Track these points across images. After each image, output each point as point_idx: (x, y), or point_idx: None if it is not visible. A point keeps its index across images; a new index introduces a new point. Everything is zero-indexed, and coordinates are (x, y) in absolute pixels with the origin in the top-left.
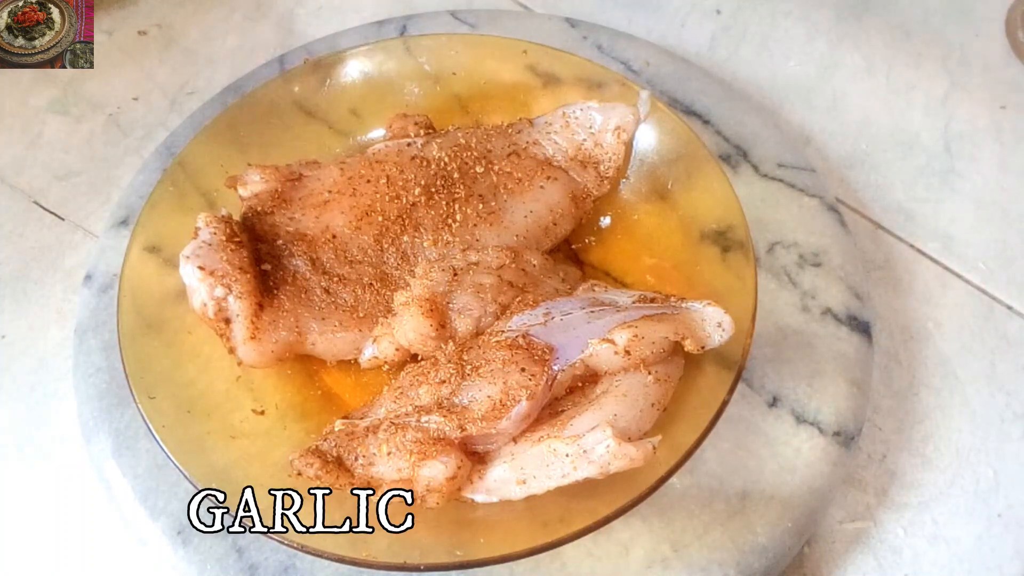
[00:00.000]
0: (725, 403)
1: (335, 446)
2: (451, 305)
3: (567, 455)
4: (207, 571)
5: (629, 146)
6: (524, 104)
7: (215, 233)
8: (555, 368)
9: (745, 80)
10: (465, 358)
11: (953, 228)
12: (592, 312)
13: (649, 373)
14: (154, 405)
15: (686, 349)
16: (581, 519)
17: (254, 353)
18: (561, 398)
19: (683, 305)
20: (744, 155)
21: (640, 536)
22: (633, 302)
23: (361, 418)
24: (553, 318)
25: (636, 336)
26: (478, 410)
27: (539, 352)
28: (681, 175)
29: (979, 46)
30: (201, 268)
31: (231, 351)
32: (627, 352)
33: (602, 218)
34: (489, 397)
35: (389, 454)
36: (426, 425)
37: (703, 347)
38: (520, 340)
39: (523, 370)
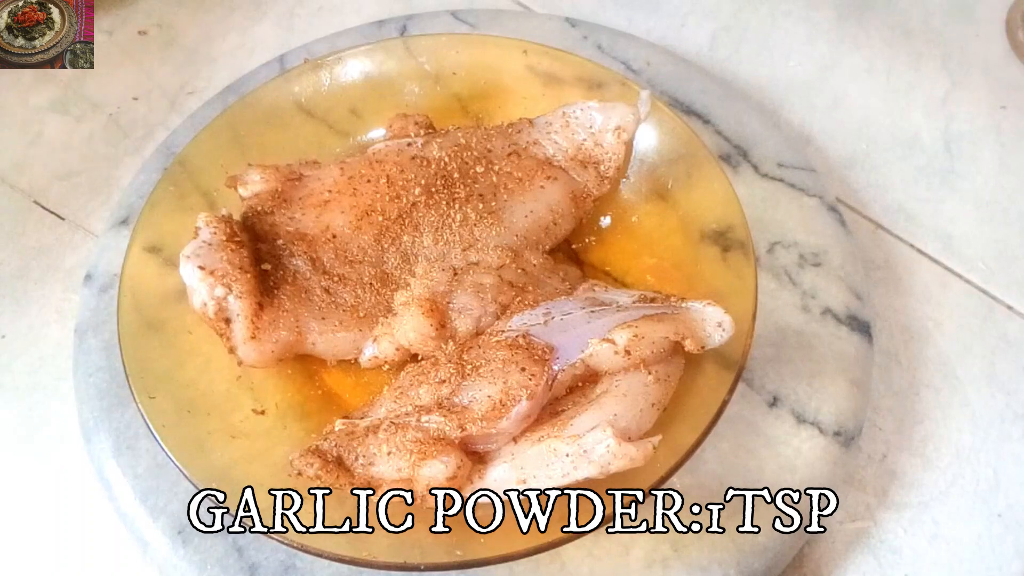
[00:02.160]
0: (725, 403)
1: (335, 446)
2: (451, 305)
3: (567, 455)
4: (207, 571)
5: (629, 146)
6: (524, 104)
7: (215, 233)
8: (555, 368)
9: (745, 80)
10: (465, 358)
11: (953, 228)
12: (592, 312)
13: (649, 373)
14: (154, 405)
15: (686, 349)
16: (581, 518)
17: (254, 353)
18: (561, 398)
19: (683, 305)
20: (744, 155)
21: (640, 536)
22: (633, 302)
23: (361, 418)
24: (553, 318)
25: (636, 336)
26: (478, 410)
27: (539, 352)
28: (681, 175)
29: (979, 46)
30: (201, 268)
31: (231, 351)
32: (627, 352)
33: (602, 218)
34: (489, 397)
35: (389, 454)
36: (426, 425)
37: (703, 347)
38: (520, 340)
39: (523, 370)
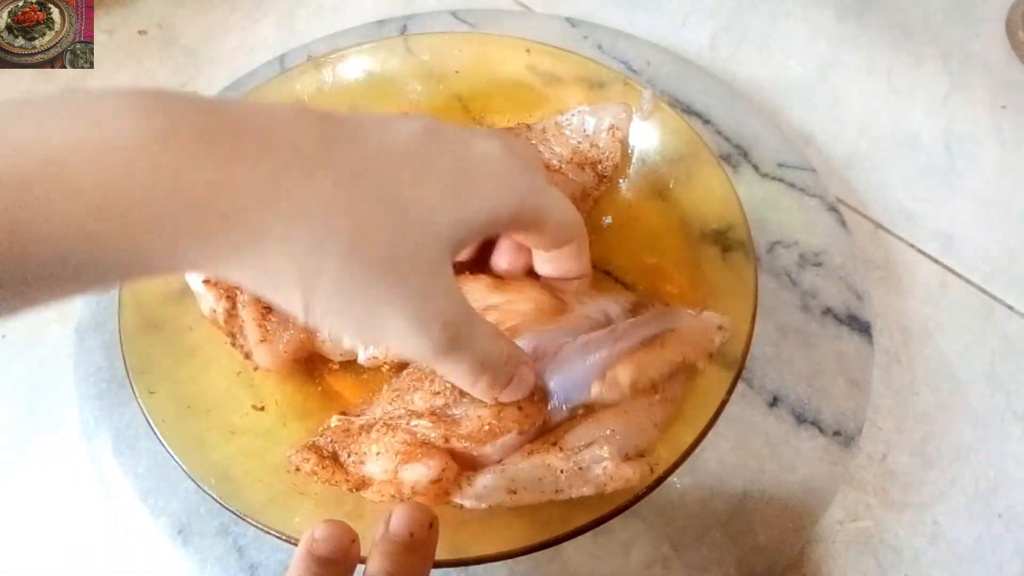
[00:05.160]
0: (725, 403)
1: (331, 442)
2: None
3: (561, 471)
4: (207, 571)
5: (625, 143)
6: (526, 103)
7: None
8: (552, 411)
9: (745, 80)
10: None
11: (953, 228)
12: (586, 346)
13: (656, 392)
14: (155, 401)
15: (699, 368)
16: (581, 517)
17: (267, 355)
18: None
19: (678, 316)
20: (744, 155)
21: (640, 536)
22: (624, 310)
23: (358, 415)
24: (545, 354)
25: (639, 371)
26: (467, 427)
27: (537, 394)
28: (682, 175)
29: (979, 46)
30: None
31: (247, 356)
32: (632, 386)
33: (603, 218)
34: (480, 418)
35: (378, 454)
36: (414, 428)
37: (710, 356)
38: None
39: (520, 409)
